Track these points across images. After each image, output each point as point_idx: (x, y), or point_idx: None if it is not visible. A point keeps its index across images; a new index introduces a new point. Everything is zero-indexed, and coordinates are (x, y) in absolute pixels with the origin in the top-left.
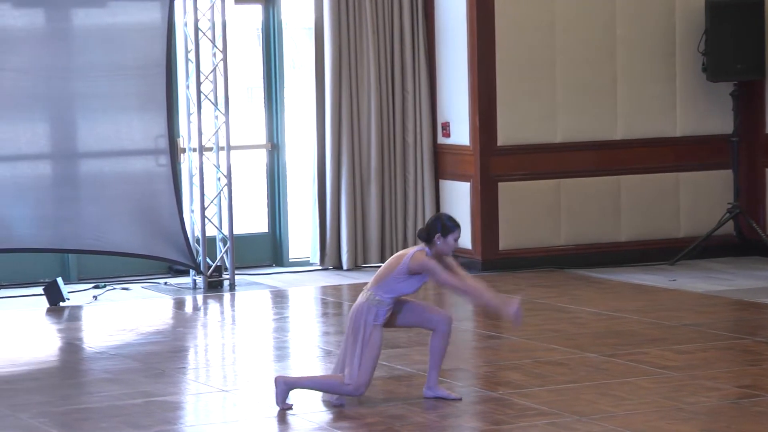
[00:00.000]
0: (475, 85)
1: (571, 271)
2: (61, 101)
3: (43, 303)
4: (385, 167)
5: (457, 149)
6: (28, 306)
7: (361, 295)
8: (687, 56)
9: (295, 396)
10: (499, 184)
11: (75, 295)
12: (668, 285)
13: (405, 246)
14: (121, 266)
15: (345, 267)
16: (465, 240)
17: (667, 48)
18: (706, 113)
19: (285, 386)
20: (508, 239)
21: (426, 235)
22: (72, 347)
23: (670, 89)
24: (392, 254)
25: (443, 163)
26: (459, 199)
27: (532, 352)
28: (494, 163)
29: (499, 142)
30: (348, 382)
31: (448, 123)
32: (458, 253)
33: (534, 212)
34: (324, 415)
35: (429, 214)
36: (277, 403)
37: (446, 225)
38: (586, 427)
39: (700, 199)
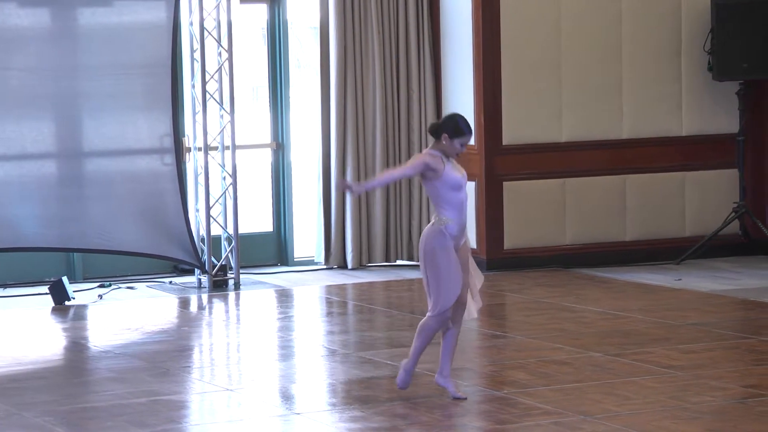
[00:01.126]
0: (480, 84)
1: (576, 271)
2: (67, 100)
3: (49, 302)
4: (389, 166)
5: None
6: (34, 305)
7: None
8: (693, 55)
9: (305, 395)
10: (504, 183)
11: (80, 294)
12: (674, 284)
13: (410, 245)
14: (127, 265)
15: (350, 266)
16: (470, 239)
17: (673, 47)
18: (712, 112)
19: (406, 373)
20: (513, 238)
21: (435, 131)
22: (77, 346)
23: (676, 88)
24: (397, 254)
25: None
26: None
27: (537, 351)
28: (499, 162)
29: (504, 142)
30: (430, 314)
31: None
32: None
33: (539, 211)
34: (329, 415)
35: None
36: (402, 386)
37: (458, 127)
38: (591, 427)
39: (706, 198)
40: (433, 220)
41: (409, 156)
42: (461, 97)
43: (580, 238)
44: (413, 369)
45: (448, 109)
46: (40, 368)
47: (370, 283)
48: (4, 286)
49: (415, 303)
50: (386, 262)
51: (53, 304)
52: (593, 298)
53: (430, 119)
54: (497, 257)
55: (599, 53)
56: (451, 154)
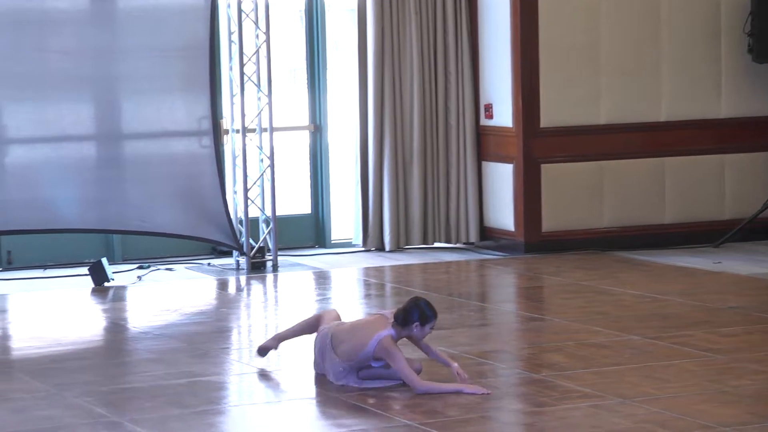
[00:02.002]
0: (518, 67)
1: (614, 254)
2: (105, 82)
3: (89, 283)
4: (427, 148)
5: (500, 131)
6: (74, 286)
7: (323, 339)
8: (732, 37)
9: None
10: (542, 165)
11: (119, 275)
12: (712, 267)
13: (447, 227)
14: (165, 247)
15: (387, 248)
16: (508, 222)
17: (712, 29)
18: (752, 95)
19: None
20: (550, 221)
21: (403, 320)
22: (117, 327)
23: (715, 71)
24: (435, 236)
25: (486, 144)
26: (501, 180)
27: (575, 334)
28: (537, 144)
29: (542, 124)
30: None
31: (491, 104)
32: (501, 235)
33: (577, 194)
34: (364, 397)
35: (471, 195)
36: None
37: (425, 314)
38: (629, 410)
39: (745, 181)
40: (334, 360)
41: (446, 137)
42: (499, 78)
43: (618, 221)
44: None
45: (485, 90)
46: (80, 349)
47: (408, 266)
48: (45, 267)
49: (453, 285)
50: (424, 244)
51: (93, 286)
52: (631, 281)
53: (468, 101)
54: (535, 240)
55: (637, 34)
56: (420, 339)
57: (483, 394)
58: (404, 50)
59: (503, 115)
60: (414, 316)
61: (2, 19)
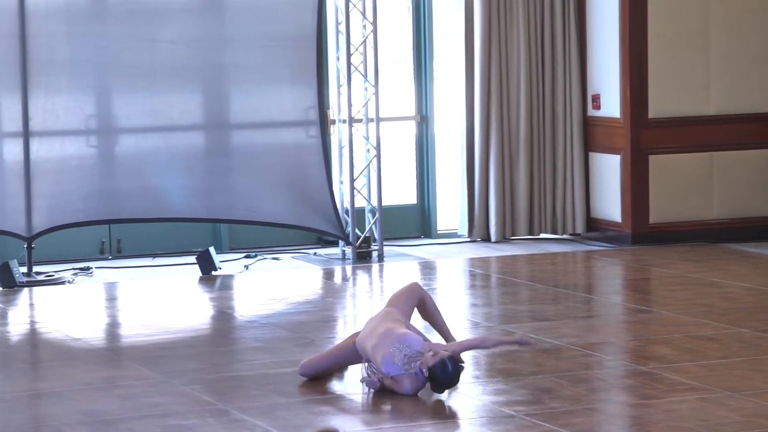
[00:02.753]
0: (626, 57)
1: (723, 245)
2: (214, 72)
3: (196, 272)
4: (534, 139)
5: (608, 121)
6: (182, 275)
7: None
8: None
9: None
10: (650, 156)
11: (227, 264)
12: None
13: (554, 218)
14: (272, 236)
15: (493, 239)
16: (615, 213)
17: None
18: None
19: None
20: (658, 213)
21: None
22: (224, 315)
23: None
24: (541, 227)
25: (593, 135)
26: (609, 171)
27: (682, 326)
28: (645, 135)
29: (651, 115)
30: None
31: (599, 95)
32: (608, 226)
33: (685, 185)
34: (472, 387)
35: (578, 186)
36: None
37: (437, 380)
38: (737, 403)
39: None
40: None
41: (553, 128)
42: (607, 69)
43: (728, 212)
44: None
45: (593, 80)
46: (187, 337)
47: (514, 257)
48: (153, 255)
49: (559, 277)
50: (530, 235)
51: (200, 274)
52: (740, 274)
53: (575, 91)
54: (642, 231)
55: (748, 24)
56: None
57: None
58: (511, 40)
59: (611, 106)
60: (434, 372)
61: (114, 9)
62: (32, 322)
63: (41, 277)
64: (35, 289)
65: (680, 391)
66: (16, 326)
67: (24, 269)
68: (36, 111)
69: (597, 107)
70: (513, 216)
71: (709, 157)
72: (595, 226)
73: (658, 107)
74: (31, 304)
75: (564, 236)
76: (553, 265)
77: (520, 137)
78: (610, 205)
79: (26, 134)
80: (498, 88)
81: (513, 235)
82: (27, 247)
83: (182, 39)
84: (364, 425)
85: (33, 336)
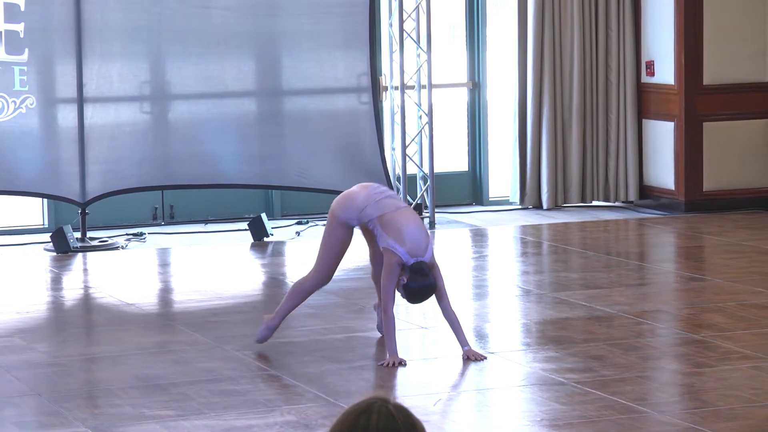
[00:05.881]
0: (681, 23)
1: None
2: (266, 39)
3: (248, 238)
4: (587, 106)
5: (662, 88)
6: (234, 241)
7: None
8: None
9: (499, 335)
10: (705, 123)
11: (278, 230)
12: None
13: (606, 186)
14: (324, 203)
15: (545, 206)
16: (668, 180)
17: None
18: None
19: (268, 330)
20: (712, 180)
21: (411, 272)
22: (275, 282)
23: None
24: (593, 195)
25: (647, 102)
26: (662, 138)
27: (736, 294)
28: (699, 102)
29: (705, 81)
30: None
31: (653, 61)
32: (661, 194)
33: (740, 153)
34: (523, 355)
35: (631, 153)
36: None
37: (413, 293)
38: None
39: None
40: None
41: (606, 95)
42: (661, 35)
43: None
44: (276, 328)
45: (647, 47)
46: (239, 303)
47: (566, 224)
48: (206, 221)
49: (611, 244)
50: (582, 202)
51: (252, 240)
52: None
53: (629, 58)
54: (696, 199)
55: None
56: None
57: (398, 364)
58: (564, 6)
59: (665, 72)
60: (414, 283)
61: None
62: (86, 287)
63: (95, 243)
64: (89, 254)
65: (733, 359)
66: (70, 291)
67: (78, 234)
68: (90, 77)
69: (651, 74)
70: (565, 183)
71: (764, 124)
72: (648, 194)
73: (712, 74)
74: (85, 270)
75: (616, 203)
76: (605, 233)
77: (573, 104)
78: (664, 172)
79: (80, 100)
80: (551, 55)
81: (565, 203)
82: (81, 213)
83: (235, 5)
84: (416, 391)
85: (87, 301)
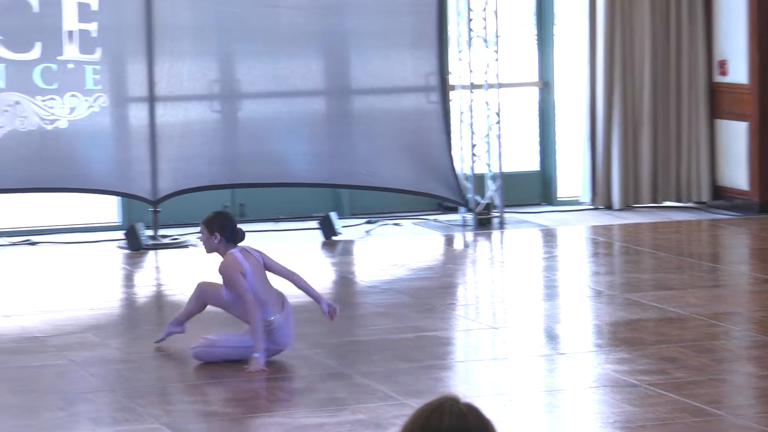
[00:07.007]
0: (754, 20)
1: None
2: (335, 38)
3: (318, 237)
4: (658, 106)
5: (735, 87)
6: (304, 239)
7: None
8: None
9: (570, 336)
10: None
11: (348, 229)
12: None
13: (678, 186)
14: (393, 202)
15: (616, 207)
16: (741, 181)
17: None
18: None
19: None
20: None
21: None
22: (345, 281)
23: None
24: (665, 195)
25: (719, 101)
26: (735, 139)
27: None
28: None
29: None
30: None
31: (725, 60)
32: (735, 194)
33: None
34: (594, 356)
35: (703, 154)
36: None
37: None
38: None
39: None
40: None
41: (677, 94)
42: (734, 33)
43: None
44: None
45: (719, 46)
46: (309, 301)
47: (637, 225)
48: (276, 220)
49: (683, 245)
50: (653, 203)
51: (322, 239)
52: None
53: (701, 57)
54: None
55: None
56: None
57: (258, 371)
58: (635, 4)
59: (738, 72)
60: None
61: None
62: (158, 285)
63: (166, 240)
64: (160, 251)
65: None
66: (143, 288)
67: (150, 232)
68: (161, 76)
69: (723, 73)
70: (636, 183)
71: None
72: (720, 194)
73: None
74: (157, 267)
75: (688, 204)
76: (677, 234)
77: (644, 103)
78: (737, 172)
79: (151, 99)
80: (621, 53)
81: (636, 203)
82: (153, 211)
83: (304, 4)
84: (486, 391)
85: (158, 298)
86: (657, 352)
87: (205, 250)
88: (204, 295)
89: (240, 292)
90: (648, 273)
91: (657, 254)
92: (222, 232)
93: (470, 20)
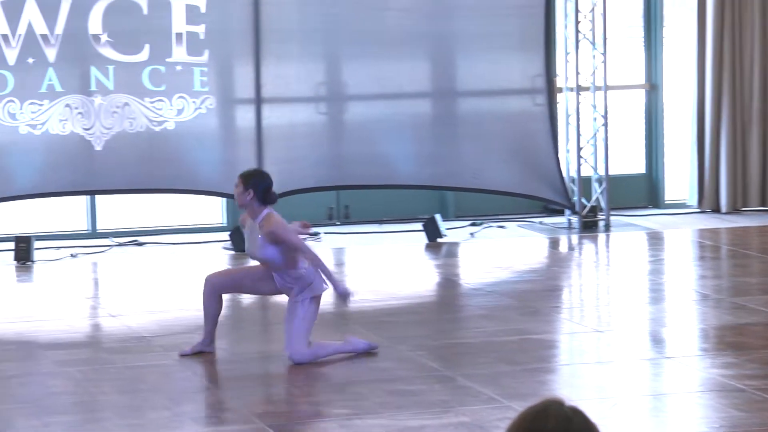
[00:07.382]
0: None
1: None
2: (441, 40)
3: (422, 239)
4: (767, 108)
5: None
6: (408, 241)
7: None
8: None
9: (676, 339)
10: None
11: (452, 231)
12: None
13: None
14: (498, 204)
15: (723, 210)
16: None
17: None
18: None
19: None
20: None
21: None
22: (449, 283)
23: None
24: None
25: None
26: None
27: None
28: None
29: None
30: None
31: None
32: None
33: None
34: (700, 360)
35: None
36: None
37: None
38: None
39: None
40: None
41: None
42: None
43: None
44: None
45: None
46: (413, 303)
47: (745, 228)
48: (381, 222)
49: None
50: (762, 206)
51: (427, 241)
52: None
53: None
54: None
55: None
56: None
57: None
58: (745, 5)
59: None
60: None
61: None
62: None
63: None
64: None
65: None
66: None
67: None
68: (267, 78)
69: None
70: (744, 186)
71: None
72: None
73: None
74: None
75: None
76: None
77: (753, 105)
78: None
79: (258, 101)
80: (731, 55)
81: (744, 206)
82: None
83: (411, 7)
84: (591, 394)
85: (262, 299)
86: (764, 356)
87: (237, 203)
88: (217, 286)
89: (295, 241)
90: (755, 277)
91: (765, 258)
92: (255, 189)
93: (578, 22)
